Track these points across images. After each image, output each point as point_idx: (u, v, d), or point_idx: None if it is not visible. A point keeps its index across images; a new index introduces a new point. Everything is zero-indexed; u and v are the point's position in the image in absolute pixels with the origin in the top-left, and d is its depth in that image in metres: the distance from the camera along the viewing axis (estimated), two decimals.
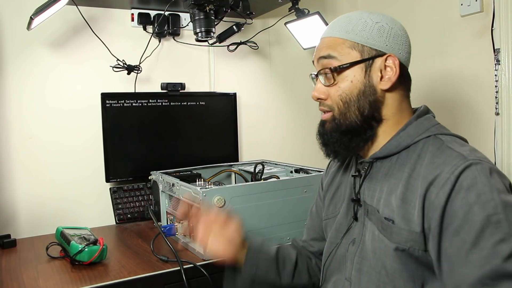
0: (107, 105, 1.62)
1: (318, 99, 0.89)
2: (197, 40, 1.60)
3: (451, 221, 0.72)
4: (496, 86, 1.55)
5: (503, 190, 0.72)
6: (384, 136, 0.87)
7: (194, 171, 1.59)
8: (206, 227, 0.95)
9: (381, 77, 0.85)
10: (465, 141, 0.85)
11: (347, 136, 0.87)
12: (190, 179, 1.41)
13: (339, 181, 1.02)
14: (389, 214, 0.81)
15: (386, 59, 0.85)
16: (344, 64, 0.84)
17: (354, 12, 0.91)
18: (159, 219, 1.47)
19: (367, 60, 0.84)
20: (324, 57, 0.87)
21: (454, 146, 0.79)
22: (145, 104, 1.70)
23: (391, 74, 0.85)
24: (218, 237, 0.94)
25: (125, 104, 1.66)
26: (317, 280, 1.06)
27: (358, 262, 0.88)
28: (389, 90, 0.86)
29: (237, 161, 1.87)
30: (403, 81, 0.88)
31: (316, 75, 0.90)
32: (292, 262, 1.05)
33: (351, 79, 0.85)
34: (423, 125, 0.85)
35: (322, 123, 0.91)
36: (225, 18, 1.72)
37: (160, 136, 1.74)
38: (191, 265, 1.15)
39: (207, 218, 0.96)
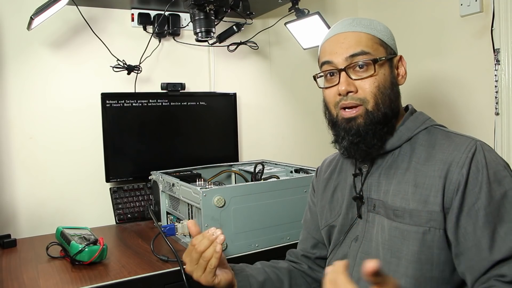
0: (107, 105, 1.62)
1: (349, 92, 0.88)
2: (197, 40, 1.60)
3: (472, 199, 0.78)
4: (496, 86, 1.55)
5: (506, 163, 0.83)
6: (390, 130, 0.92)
7: (194, 171, 1.59)
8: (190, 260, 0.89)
9: (397, 74, 0.92)
10: None
11: (381, 126, 0.88)
12: (190, 179, 1.41)
13: (334, 184, 1.03)
14: (401, 202, 0.85)
15: (400, 59, 0.93)
16: (382, 57, 0.88)
17: (357, 17, 0.94)
18: (159, 219, 1.47)
19: (391, 58, 0.91)
20: (357, 54, 0.88)
21: (455, 132, 0.88)
22: (145, 104, 1.70)
23: (403, 72, 0.93)
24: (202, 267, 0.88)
25: (125, 104, 1.66)
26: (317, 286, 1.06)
27: (361, 258, 0.89)
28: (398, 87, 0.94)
29: (237, 161, 1.87)
30: None
31: (342, 70, 0.88)
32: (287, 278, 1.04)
33: (384, 72, 0.89)
34: (419, 119, 0.92)
35: (350, 120, 0.88)
36: (225, 18, 1.72)
37: (160, 136, 1.74)
38: None
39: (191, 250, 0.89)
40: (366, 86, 0.87)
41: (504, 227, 0.75)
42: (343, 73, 0.88)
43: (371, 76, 0.87)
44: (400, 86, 0.94)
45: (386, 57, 0.89)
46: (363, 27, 0.89)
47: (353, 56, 0.87)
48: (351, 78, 0.88)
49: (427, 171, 0.83)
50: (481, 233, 0.76)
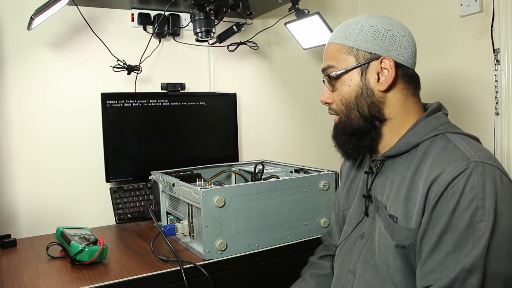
0: (107, 105, 1.62)
1: (326, 103, 0.95)
2: (197, 40, 1.60)
3: (438, 221, 0.74)
4: (496, 86, 1.55)
5: (501, 196, 0.73)
6: (393, 134, 0.90)
7: (194, 171, 1.59)
8: None
9: (378, 79, 0.88)
10: (477, 140, 0.86)
11: (354, 136, 0.91)
12: (190, 179, 1.41)
13: (353, 175, 1.05)
14: (394, 212, 0.84)
15: (381, 62, 0.87)
16: (340, 71, 0.89)
17: (356, 17, 0.94)
18: (159, 219, 1.47)
19: (363, 64, 0.88)
20: (326, 68, 0.93)
21: (460, 144, 0.80)
22: (145, 104, 1.70)
23: (388, 75, 0.87)
24: None
25: (125, 104, 1.66)
26: None
27: (366, 256, 0.90)
28: (388, 90, 0.88)
29: (237, 161, 1.87)
30: (407, 80, 0.90)
31: (323, 81, 0.95)
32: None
33: (349, 84, 0.89)
34: (432, 124, 0.87)
35: (335, 126, 0.95)
36: (225, 18, 1.72)
37: (160, 136, 1.74)
38: (191, 265, 1.15)
39: None
40: (337, 99, 0.92)
41: (454, 255, 0.72)
42: (324, 85, 0.95)
43: (334, 91, 0.92)
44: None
45: (348, 69, 0.88)
46: (338, 36, 0.92)
47: (324, 70, 0.93)
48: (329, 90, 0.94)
49: (417, 185, 0.80)
50: (430, 256, 0.75)
